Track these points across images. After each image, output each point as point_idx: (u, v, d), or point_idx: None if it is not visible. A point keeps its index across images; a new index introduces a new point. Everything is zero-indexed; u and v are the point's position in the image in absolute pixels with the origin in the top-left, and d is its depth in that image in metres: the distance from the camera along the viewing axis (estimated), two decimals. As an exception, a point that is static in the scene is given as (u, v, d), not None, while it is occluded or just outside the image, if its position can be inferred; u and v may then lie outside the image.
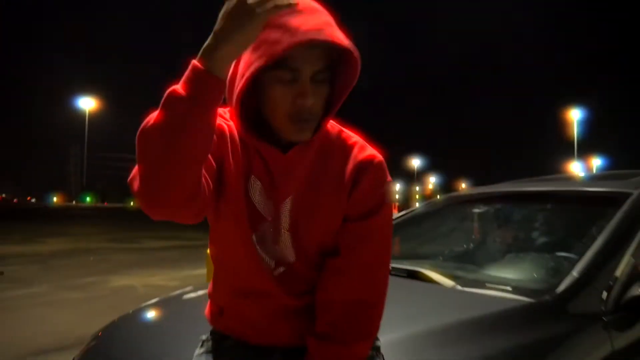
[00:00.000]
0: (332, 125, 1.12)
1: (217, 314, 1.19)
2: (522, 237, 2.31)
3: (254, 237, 1.07)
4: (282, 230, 1.07)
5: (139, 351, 1.69)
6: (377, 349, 1.16)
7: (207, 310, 1.24)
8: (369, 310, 1.06)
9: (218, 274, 1.18)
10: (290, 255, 1.08)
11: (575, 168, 46.91)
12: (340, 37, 0.96)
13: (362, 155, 1.07)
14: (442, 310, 1.64)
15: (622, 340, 1.63)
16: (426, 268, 2.00)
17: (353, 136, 1.12)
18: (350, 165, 1.07)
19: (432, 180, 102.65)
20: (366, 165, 1.06)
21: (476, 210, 2.66)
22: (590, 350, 1.58)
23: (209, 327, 1.23)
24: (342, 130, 1.13)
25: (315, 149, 1.07)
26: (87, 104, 67.47)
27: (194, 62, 0.84)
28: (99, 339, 1.99)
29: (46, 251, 12.05)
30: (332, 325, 1.03)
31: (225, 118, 1.08)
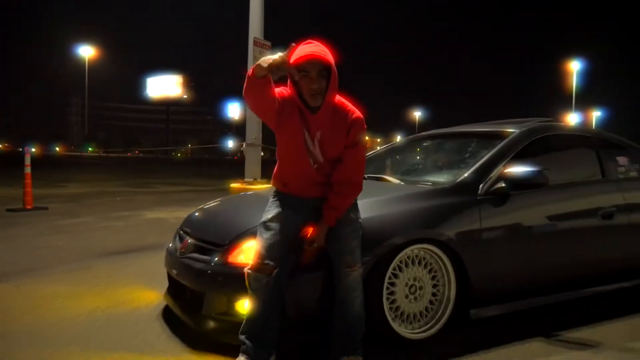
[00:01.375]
0: (339, 100, 2.50)
1: (282, 185, 2.59)
2: (447, 159, 3.74)
3: (305, 149, 2.45)
4: (317, 147, 2.46)
5: (235, 210, 3.12)
6: (356, 205, 2.56)
7: (273, 183, 2.64)
8: (353, 186, 2.46)
9: (283, 165, 2.57)
10: (320, 158, 2.47)
11: (573, 119, 47.85)
12: (326, 56, 2.33)
13: (352, 116, 2.47)
14: (391, 192, 3.07)
15: (488, 217, 3.02)
16: (386, 175, 3.43)
17: (349, 105, 2.51)
18: (347, 120, 2.46)
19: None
20: (354, 120, 2.46)
21: (424, 144, 4.14)
22: (468, 218, 2.97)
23: (268, 200, 2.62)
24: (343, 102, 2.51)
25: (330, 112, 2.46)
26: (87, 51, 67.00)
27: (249, 71, 2.19)
28: (200, 209, 3.41)
29: (72, 194, 13.02)
30: (338, 187, 2.43)
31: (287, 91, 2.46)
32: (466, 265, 2.86)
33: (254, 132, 7.37)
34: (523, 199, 3.18)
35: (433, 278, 2.85)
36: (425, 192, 3.05)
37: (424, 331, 2.79)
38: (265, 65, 2.16)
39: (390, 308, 2.69)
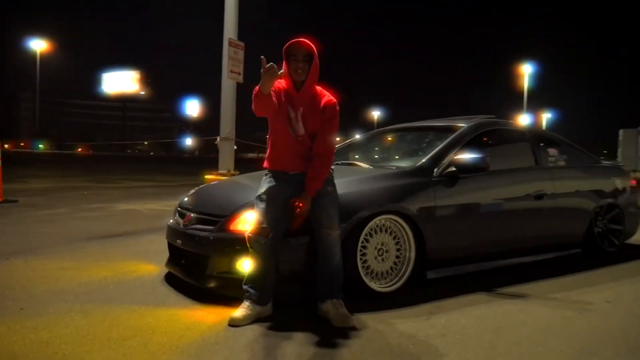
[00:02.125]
0: (319, 88, 3.13)
1: (271, 163, 3.16)
2: (407, 148, 4.41)
3: (289, 124, 3.05)
4: (299, 121, 3.07)
5: (229, 190, 3.67)
6: (332, 180, 3.15)
7: (265, 165, 3.21)
8: (327, 157, 3.06)
9: (272, 144, 3.15)
10: (301, 131, 3.07)
11: (524, 120, 49.79)
12: (310, 44, 3.00)
13: (328, 99, 3.11)
14: (362, 173, 3.70)
15: (441, 195, 3.68)
16: (356, 160, 4.06)
17: (326, 92, 3.15)
18: (323, 102, 3.09)
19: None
20: (328, 101, 3.10)
21: (387, 136, 4.81)
22: (425, 196, 3.62)
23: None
24: (322, 90, 3.15)
25: (311, 94, 3.09)
26: (38, 45, 64.98)
27: (256, 88, 2.84)
28: (195, 191, 3.95)
29: (37, 188, 12.96)
30: (315, 160, 3.03)
31: (280, 83, 3.06)
32: (424, 233, 3.50)
33: (227, 126, 7.89)
34: (470, 181, 3.86)
35: (397, 244, 3.48)
36: (390, 174, 3.69)
37: (390, 286, 3.42)
38: (268, 84, 2.80)
39: (363, 267, 3.30)
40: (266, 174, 3.18)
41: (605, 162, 5.49)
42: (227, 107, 7.94)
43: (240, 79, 8.07)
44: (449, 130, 4.25)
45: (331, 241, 3.00)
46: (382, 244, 3.41)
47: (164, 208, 9.51)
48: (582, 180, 4.83)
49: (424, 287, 3.59)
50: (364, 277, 3.29)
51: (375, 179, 3.59)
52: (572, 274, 4.21)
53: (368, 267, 3.34)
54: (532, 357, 2.46)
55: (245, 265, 3.11)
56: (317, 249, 3.02)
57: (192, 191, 4.17)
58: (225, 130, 7.91)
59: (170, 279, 3.76)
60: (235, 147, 8.18)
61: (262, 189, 3.07)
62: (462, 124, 4.28)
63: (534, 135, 4.74)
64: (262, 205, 3.01)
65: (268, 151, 3.22)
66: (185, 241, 3.47)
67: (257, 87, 2.84)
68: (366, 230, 3.30)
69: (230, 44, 7.77)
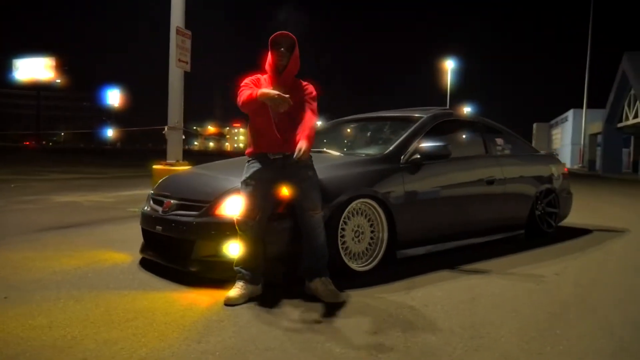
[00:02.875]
0: (301, 81, 3.27)
1: (254, 147, 3.28)
2: (372, 137, 4.66)
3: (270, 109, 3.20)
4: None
5: (204, 178, 3.75)
6: (312, 165, 3.31)
7: (247, 152, 3.32)
8: (311, 129, 3.22)
9: (252, 128, 3.28)
10: (283, 114, 3.19)
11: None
12: (292, 35, 3.21)
13: (307, 86, 3.29)
14: (336, 160, 3.90)
15: (408, 180, 3.94)
16: (328, 149, 4.25)
17: (305, 82, 3.32)
18: (303, 86, 3.27)
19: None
20: (308, 85, 3.29)
21: (351, 126, 5.04)
22: (395, 181, 3.87)
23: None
24: (301, 80, 3.30)
25: (291, 81, 3.25)
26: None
27: (256, 94, 3.03)
28: (168, 179, 3.99)
29: None
30: (301, 133, 3.19)
31: (261, 78, 3.21)
32: (394, 216, 3.75)
33: (176, 116, 7.84)
34: (432, 168, 4.15)
35: (371, 226, 3.70)
36: (362, 160, 3.92)
37: (366, 265, 3.65)
38: (271, 97, 2.98)
39: (342, 248, 3.50)
40: (249, 161, 3.29)
41: (542, 152, 6.01)
42: (174, 96, 7.86)
43: (188, 67, 8.02)
44: (409, 120, 4.53)
45: (315, 222, 3.17)
46: (359, 226, 3.62)
47: (104, 200, 9.25)
48: (525, 168, 5.28)
49: (394, 266, 3.84)
50: (344, 257, 3.49)
51: (349, 165, 3.79)
52: (520, 252, 4.62)
53: (347, 249, 3.55)
54: (510, 320, 2.76)
55: (231, 248, 3.23)
56: (302, 230, 3.18)
57: (165, 179, 4.20)
58: (173, 119, 7.84)
59: (146, 265, 3.79)
60: (184, 137, 8.12)
61: (248, 174, 3.19)
62: (419, 114, 4.57)
63: (483, 125, 5.13)
64: (249, 189, 3.14)
65: (249, 138, 3.34)
66: (166, 227, 3.52)
67: (253, 94, 3.03)
68: (345, 213, 3.50)
69: (178, 32, 7.70)
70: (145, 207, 3.92)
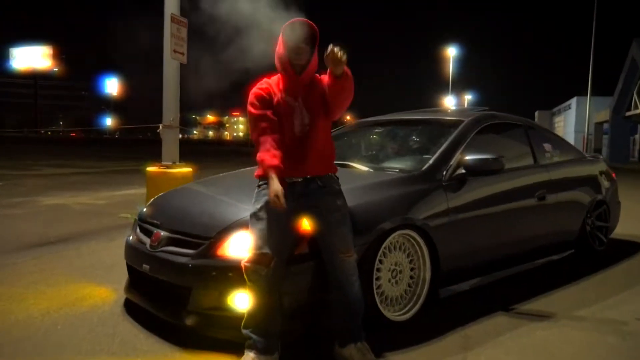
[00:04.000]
0: (317, 75, 2.55)
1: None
2: (404, 145, 3.90)
3: (292, 116, 2.48)
4: (304, 109, 2.49)
5: (205, 202, 3.00)
6: (341, 192, 2.57)
7: (257, 173, 2.59)
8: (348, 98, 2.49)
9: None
10: (306, 119, 2.48)
11: (449, 102, 50.90)
12: (312, 24, 2.45)
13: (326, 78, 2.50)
14: (366, 179, 3.15)
15: (453, 202, 3.21)
16: (353, 162, 3.50)
17: (323, 76, 2.54)
18: (324, 81, 2.47)
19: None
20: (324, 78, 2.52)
21: (376, 130, 4.27)
22: (437, 203, 3.14)
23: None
24: (320, 75, 2.56)
25: (309, 78, 2.51)
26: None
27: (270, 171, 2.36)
28: (158, 201, 3.25)
29: None
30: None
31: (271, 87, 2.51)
32: (437, 247, 3.02)
33: (171, 112, 7.06)
34: (477, 183, 3.41)
35: (410, 262, 2.98)
36: (399, 179, 3.16)
37: (405, 312, 2.92)
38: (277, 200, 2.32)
39: (377, 293, 2.77)
40: (259, 185, 2.56)
41: (589, 156, 5.25)
42: (170, 91, 7.09)
43: (184, 59, 7.24)
44: (447, 124, 3.79)
45: (348, 268, 2.45)
46: (396, 264, 2.90)
47: (96, 202, 8.61)
48: (576, 177, 4.54)
49: (437, 308, 3.13)
50: (379, 305, 2.77)
51: (382, 187, 3.05)
52: (580, 281, 3.90)
53: (382, 293, 2.82)
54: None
55: (238, 299, 2.51)
56: (330, 278, 2.46)
57: (154, 200, 3.47)
58: (168, 117, 7.07)
59: (133, 310, 3.07)
60: (181, 136, 7.37)
61: (257, 205, 2.46)
62: (458, 117, 3.83)
63: (529, 128, 4.37)
64: (260, 226, 2.41)
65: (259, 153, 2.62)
66: (155, 267, 2.79)
67: (264, 161, 2.42)
68: (382, 248, 2.78)
69: (173, 20, 6.92)
70: (130, 237, 3.19)
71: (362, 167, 3.46)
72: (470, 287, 3.40)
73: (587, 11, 35.30)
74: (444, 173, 3.26)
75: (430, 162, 3.31)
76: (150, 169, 7.01)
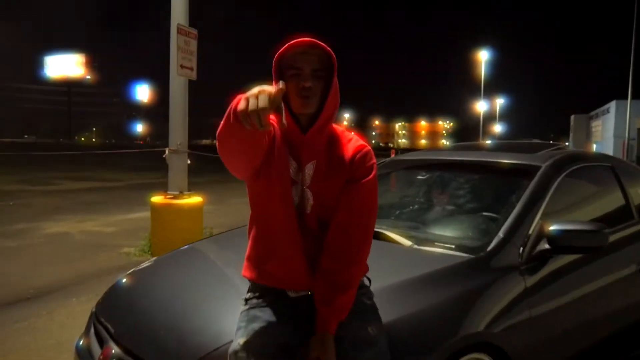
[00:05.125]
0: (337, 127, 1.67)
1: (256, 272, 1.65)
2: (456, 201, 2.88)
3: (289, 187, 1.58)
4: (307, 187, 1.59)
5: (181, 301, 2.07)
6: (373, 308, 1.65)
7: (244, 272, 1.67)
8: (358, 251, 1.58)
9: (262, 238, 1.65)
10: (310, 201, 1.59)
11: (482, 107, 49.37)
12: (322, 45, 1.53)
13: (357, 144, 1.64)
14: (412, 264, 2.17)
15: (534, 296, 2.22)
16: (386, 229, 2.52)
17: (350, 134, 1.69)
18: (350, 149, 1.62)
19: (346, 117, 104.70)
20: (359, 150, 1.63)
21: (417, 175, 3.23)
22: (509, 290, 2.17)
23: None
24: (344, 131, 1.68)
25: (326, 137, 1.61)
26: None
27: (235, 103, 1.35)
28: (125, 293, 2.34)
29: None
30: (332, 260, 1.55)
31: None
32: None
33: (179, 136, 6.22)
34: (563, 260, 2.41)
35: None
36: (459, 267, 2.16)
37: None
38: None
39: None
40: (247, 300, 1.66)
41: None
42: (177, 111, 6.26)
43: (194, 75, 6.41)
44: (516, 172, 2.79)
45: None
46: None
47: (102, 229, 7.92)
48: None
49: None
50: None
51: (436, 281, 2.06)
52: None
53: None
54: None
55: None
56: None
57: (119, 285, 2.56)
58: (175, 140, 6.24)
59: None
60: (189, 162, 6.51)
61: (240, 338, 1.54)
62: (530, 161, 2.82)
63: (620, 171, 3.30)
64: (243, 365, 1.49)
65: (249, 248, 1.70)
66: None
67: (235, 103, 1.31)
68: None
69: (180, 31, 6.09)
70: (81, 341, 2.30)
71: (399, 239, 2.46)
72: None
73: (627, 9, 33.49)
74: (521, 251, 2.27)
75: (501, 234, 2.31)
76: (155, 199, 6.17)
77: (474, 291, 2.04)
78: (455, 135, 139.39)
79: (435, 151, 3.53)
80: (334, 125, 1.66)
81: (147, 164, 18.38)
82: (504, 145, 3.69)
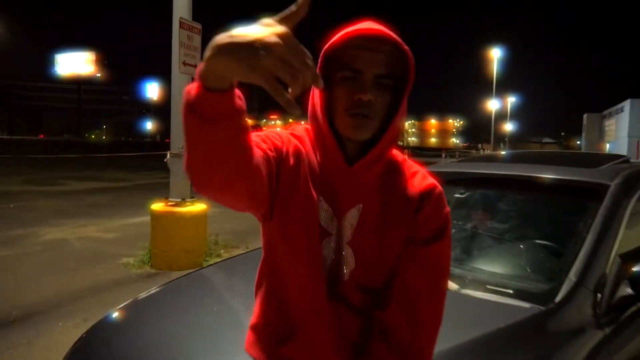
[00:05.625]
0: (397, 154, 1.15)
1: (266, 351, 1.14)
2: (506, 227, 2.37)
3: (318, 241, 1.08)
4: (348, 235, 1.09)
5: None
6: None
7: (247, 347, 1.19)
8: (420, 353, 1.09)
9: (270, 297, 1.15)
10: (351, 264, 1.09)
11: (494, 105, 48.62)
12: (394, 36, 1.01)
13: (425, 183, 1.11)
14: (455, 326, 1.67)
15: (611, 330, 1.75)
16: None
17: (415, 165, 1.17)
18: (414, 190, 1.10)
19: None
20: (429, 193, 1.10)
21: (457, 195, 2.68)
22: (587, 342, 1.68)
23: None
24: (406, 159, 1.17)
25: (381, 170, 1.10)
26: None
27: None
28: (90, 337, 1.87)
29: None
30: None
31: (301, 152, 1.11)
32: None
33: (181, 138, 5.73)
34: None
35: None
36: (526, 323, 1.66)
37: None
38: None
39: None
40: None
41: None
42: (179, 112, 5.77)
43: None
44: (579, 193, 2.30)
45: None
46: None
47: (103, 235, 7.55)
48: None
49: None
50: None
51: (496, 345, 1.58)
52: None
53: None
54: None
55: None
56: None
57: (98, 336, 2.08)
58: (177, 143, 5.80)
59: None
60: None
61: None
62: (595, 179, 2.32)
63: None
64: None
65: (256, 314, 1.19)
66: None
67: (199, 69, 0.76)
68: None
69: (182, 25, 5.64)
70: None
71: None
72: None
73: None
74: (598, 298, 1.78)
75: (573, 277, 1.82)
76: (155, 207, 5.72)
77: (549, 353, 1.55)
78: (466, 133, 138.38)
79: (475, 163, 3.00)
80: (396, 154, 1.15)
81: (155, 164, 18.06)
82: (558, 156, 3.17)
